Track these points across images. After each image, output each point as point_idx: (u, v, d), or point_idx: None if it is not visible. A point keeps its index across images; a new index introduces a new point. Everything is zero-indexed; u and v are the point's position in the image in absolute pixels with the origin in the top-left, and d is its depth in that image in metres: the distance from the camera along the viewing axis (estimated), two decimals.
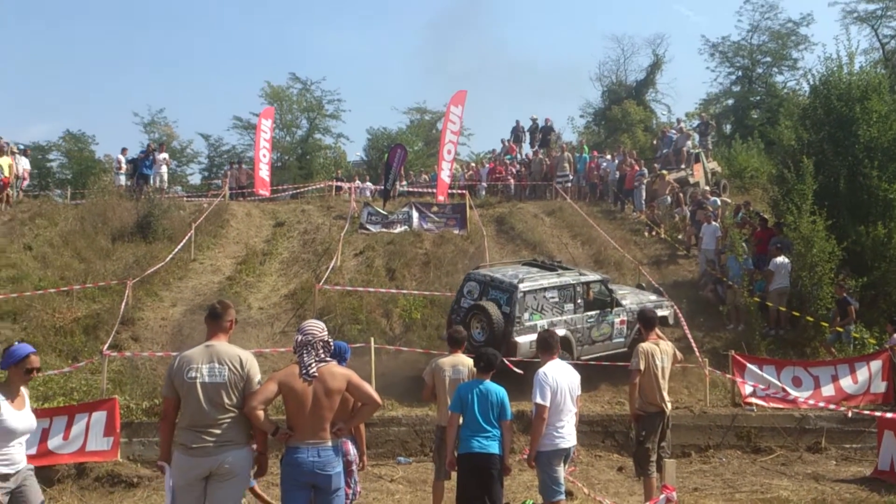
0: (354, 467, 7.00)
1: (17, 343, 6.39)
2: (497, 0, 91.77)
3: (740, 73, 44.92)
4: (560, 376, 7.65)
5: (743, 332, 16.29)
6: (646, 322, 9.23)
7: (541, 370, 7.60)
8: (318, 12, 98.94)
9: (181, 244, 19.85)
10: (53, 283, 17.60)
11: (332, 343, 6.18)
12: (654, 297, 16.25)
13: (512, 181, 28.40)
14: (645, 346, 8.92)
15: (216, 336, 6.03)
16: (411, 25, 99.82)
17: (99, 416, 11.41)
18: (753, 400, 13.50)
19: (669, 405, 9.07)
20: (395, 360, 15.38)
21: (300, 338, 6.05)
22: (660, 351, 8.93)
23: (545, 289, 14.30)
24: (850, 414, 12.45)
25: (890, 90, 18.83)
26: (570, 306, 14.53)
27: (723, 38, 44.69)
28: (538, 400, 7.47)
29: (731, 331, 16.67)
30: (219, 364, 5.82)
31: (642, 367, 8.76)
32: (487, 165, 31.40)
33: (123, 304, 16.27)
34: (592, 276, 15.39)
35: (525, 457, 8.57)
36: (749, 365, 13.81)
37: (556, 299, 14.39)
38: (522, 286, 13.94)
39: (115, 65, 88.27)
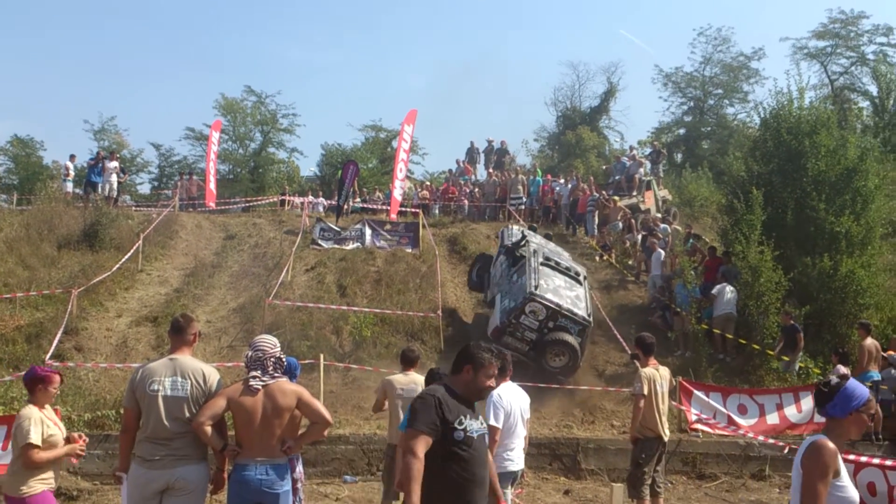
0: (300, 485, 6.92)
1: None
2: (455, 23, 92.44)
3: (692, 104, 45.77)
4: (513, 399, 7.65)
5: (690, 359, 16.45)
6: (645, 347, 9.25)
7: (495, 392, 7.52)
8: (276, 25, 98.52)
9: (129, 254, 19.50)
10: None
11: (284, 360, 6.09)
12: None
13: (466, 202, 28.45)
14: (647, 371, 9.00)
15: (180, 349, 6.00)
16: (370, 42, 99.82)
17: None
18: (699, 426, 13.64)
19: (668, 433, 9.16)
20: (344, 378, 15.27)
21: (251, 353, 5.96)
22: (660, 376, 9.05)
23: None
24: (787, 450, 12.56)
25: (838, 125, 19.28)
26: None
27: (676, 69, 45.57)
28: (492, 422, 7.42)
29: (678, 357, 16.81)
30: (182, 378, 5.79)
31: (646, 391, 8.82)
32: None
33: (67, 313, 15.90)
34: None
35: None
36: (696, 391, 13.96)
37: None
38: (591, 320, 15.63)
39: (68, 70, 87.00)
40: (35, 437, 6.02)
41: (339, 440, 12.64)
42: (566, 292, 15.71)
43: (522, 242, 16.92)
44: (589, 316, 15.62)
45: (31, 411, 6.19)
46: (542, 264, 16.11)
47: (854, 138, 19.13)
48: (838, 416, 4.38)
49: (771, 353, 15.69)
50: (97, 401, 13.39)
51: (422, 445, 4.58)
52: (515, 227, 19.28)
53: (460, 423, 4.72)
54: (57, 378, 6.48)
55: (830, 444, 4.24)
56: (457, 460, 4.70)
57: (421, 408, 4.71)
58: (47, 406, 6.42)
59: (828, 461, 4.18)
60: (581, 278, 16.89)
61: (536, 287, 15.20)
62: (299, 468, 6.89)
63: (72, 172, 27.04)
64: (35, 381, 6.33)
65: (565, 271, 16.59)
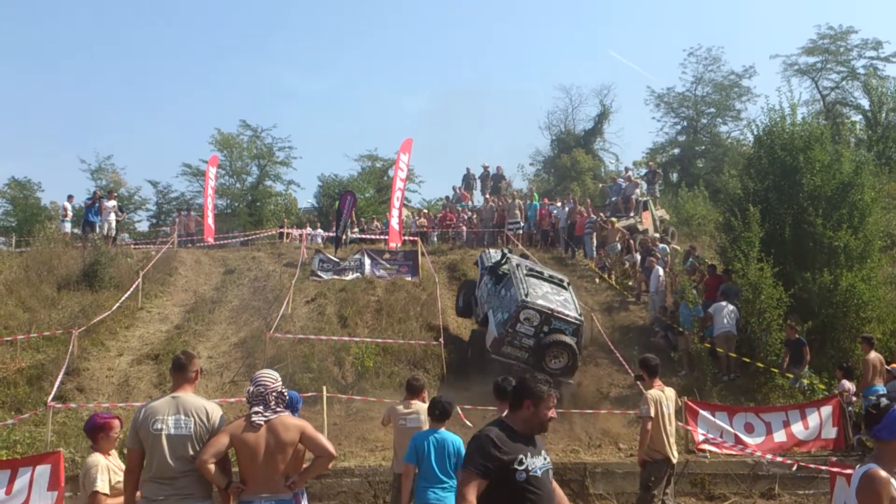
0: None
1: None
2: (447, 51, 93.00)
3: (685, 124, 46.00)
4: None
5: (695, 378, 16.38)
6: (650, 369, 9.21)
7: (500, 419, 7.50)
8: (272, 57, 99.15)
9: (128, 292, 19.46)
10: None
11: (286, 394, 6.05)
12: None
13: (464, 228, 28.46)
14: (653, 392, 8.96)
15: (182, 387, 5.97)
16: (365, 72, 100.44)
17: (43, 470, 11.00)
18: (707, 446, 13.53)
19: (677, 455, 9.08)
20: (347, 409, 15.18)
21: (252, 389, 5.91)
22: (665, 398, 9.00)
23: None
24: (795, 468, 12.48)
25: (832, 140, 19.33)
26: None
27: (668, 90, 45.84)
28: None
29: (682, 377, 16.74)
30: (185, 416, 5.75)
31: (653, 413, 8.76)
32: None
33: (69, 354, 15.85)
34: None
35: None
36: (702, 411, 13.86)
37: None
38: (582, 319, 16.35)
39: (63, 110, 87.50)
40: (102, 486, 6.10)
41: (345, 473, 12.52)
42: (554, 297, 16.38)
43: (503, 261, 17.57)
44: (580, 316, 16.34)
45: (97, 459, 6.27)
46: (527, 275, 16.74)
47: (848, 152, 19.24)
48: (886, 439, 4.27)
49: (775, 370, 15.63)
50: None
51: (472, 488, 4.44)
52: (492, 250, 19.81)
53: (521, 463, 4.56)
54: (116, 423, 6.55)
55: (882, 473, 4.13)
56: (522, 501, 4.56)
57: (473, 449, 4.58)
58: (112, 452, 6.48)
59: (881, 491, 4.08)
60: (565, 284, 17.54)
61: (527, 295, 15.82)
62: (304, 503, 6.82)
63: (70, 213, 27.11)
64: (96, 430, 6.42)
65: (550, 279, 17.31)
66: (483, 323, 17.42)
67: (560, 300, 16.37)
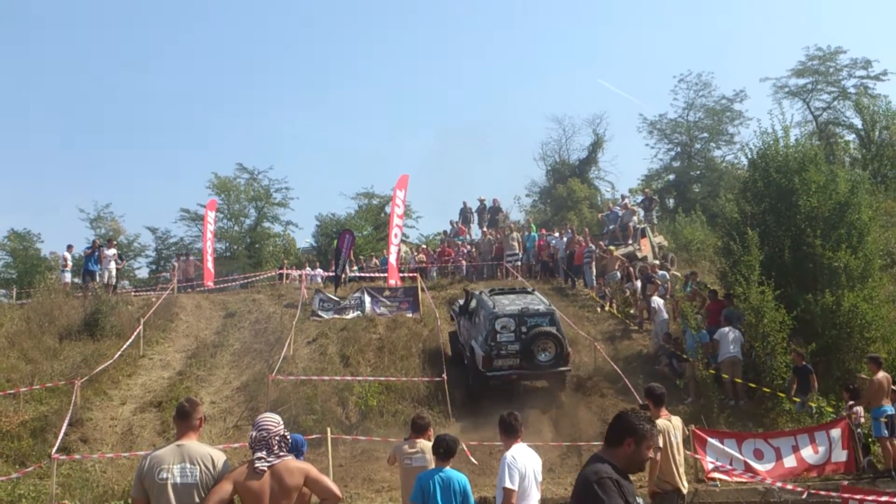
0: None
1: None
2: (440, 85, 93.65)
3: (679, 149, 46.19)
4: (526, 461, 7.49)
5: (701, 406, 16.26)
6: (655, 398, 9.11)
7: (508, 454, 7.37)
8: (265, 99, 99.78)
9: (130, 340, 19.39)
10: None
11: (289, 437, 5.98)
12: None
13: (463, 262, 28.45)
14: (660, 422, 8.81)
15: (186, 435, 5.87)
16: (358, 111, 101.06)
17: None
18: (717, 475, 13.38)
19: (687, 485, 8.97)
20: (352, 450, 15.05)
21: (255, 434, 5.84)
22: (673, 427, 8.90)
23: None
24: (805, 496, 12.33)
25: (826, 160, 19.36)
26: None
27: (660, 116, 46.11)
28: (507, 484, 7.22)
29: (689, 404, 16.61)
30: (190, 464, 5.66)
31: (661, 443, 8.65)
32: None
33: (71, 404, 15.72)
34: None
35: None
36: (710, 439, 13.74)
37: None
38: (554, 307, 17.57)
39: (61, 162, 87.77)
40: None
41: None
42: (521, 301, 17.65)
43: (469, 298, 19.10)
44: (550, 306, 17.62)
45: None
46: (490, 296, 18.04)
47: (843, 172, 19.24)
48: None
49: (782, 394, 15.54)
50: (105, 492, 13.16)
51: None
52: (461, 300, 20.72)
53: None
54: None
55: None
56: None
57: (605, 493, 4.35)
58: None
59: None
60: (529, 290, 19.22)
61: (494, 307, 17.14)
62: None
63: (70, 263, 27.13)
64: None
65: (511, 291, 18.91)
66: (471, 355, 17.68)
67: (526, 301, 17.58)
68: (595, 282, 24.18)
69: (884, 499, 9.87)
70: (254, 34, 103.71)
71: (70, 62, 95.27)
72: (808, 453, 13.69)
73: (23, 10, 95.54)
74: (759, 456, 13.70)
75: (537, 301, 17.78)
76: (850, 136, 40.03)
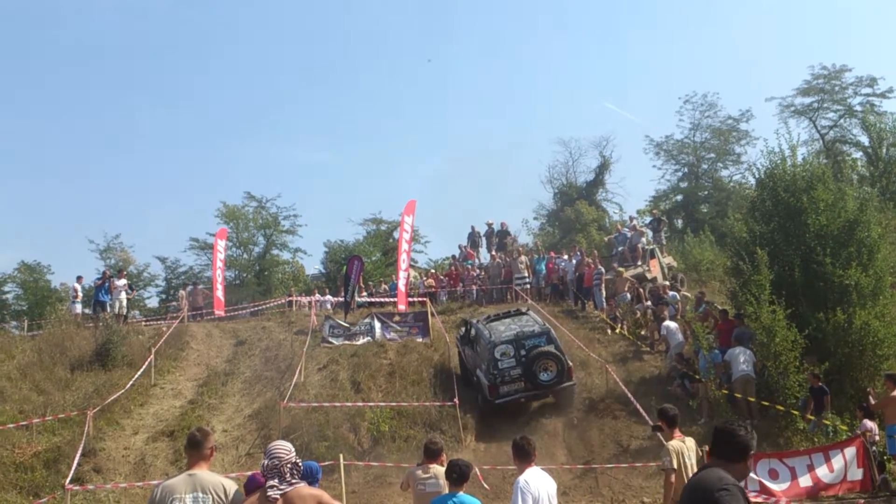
0: None
1: None
2: (446, 111, 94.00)
3: (686, 170, 46.16)
4: (540, 484, 7.46)
5: (714, 426, 16.10)
6: (669, 420, 9.06)
7: (521, 478, 7.35)
8: (271, 128, 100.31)
9: (141, 370, 19.44)
10: (12, 418, 17.02)
11: (301, 465, 5.98)
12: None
13: (473, 287, 28.45)
14: (674, 443, 8.77)
15: (197, 464, 5.91)
16: (365, 137, 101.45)
17: None
18: None
19: None
20: (365, 476, 15.01)
21: (267, 462, 5.84)
22: (686, 448, 8.83)
23: None
24: None
25: (834, 178, 19.33)
26: None
27: (666, 137, 46.11)
28: None
29: (702, 425, 16.51)
30: (202, 493, 5.68)
31: (675, 465, 8.61)
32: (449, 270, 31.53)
33: (84, 435, 15.76)
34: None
35: None
36: None
37: None
38: (548, 327, 18.16)
39: (70, 193, 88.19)
40: None
41: None
42: (514, 325, 18.25)
43: (468, 328, 19.65)
44: (544, 325, 18.23)
45: None
46: (485, 324, 18.67)
47: (851, 190, 19.20)
48: None
49: (796, 412, 15.44)
50: None
51: None
52: (463, 328, 20.86)
53: None
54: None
55: None
56: None
57: (733, 500, 4.45)
58: None
59: None
60: (523, 310, 19.65)
61: (491, 335, 17.77)
62: None
63: (80, 293, 27.21)
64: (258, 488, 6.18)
65: (506, 315, 19.29)
66: (477, 381, 17.97)
67: (520, 324, 18.21)
68: (605, 303, 24.14)
69: None
70: (259, 63, 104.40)
71: (80, 95, 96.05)
72: (824, 472, 13.58)
73: (36, 45, 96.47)
74: (774, 476, 13.59)
75: (531, 322, 18.34)
76: (858, 154, 39.96)
